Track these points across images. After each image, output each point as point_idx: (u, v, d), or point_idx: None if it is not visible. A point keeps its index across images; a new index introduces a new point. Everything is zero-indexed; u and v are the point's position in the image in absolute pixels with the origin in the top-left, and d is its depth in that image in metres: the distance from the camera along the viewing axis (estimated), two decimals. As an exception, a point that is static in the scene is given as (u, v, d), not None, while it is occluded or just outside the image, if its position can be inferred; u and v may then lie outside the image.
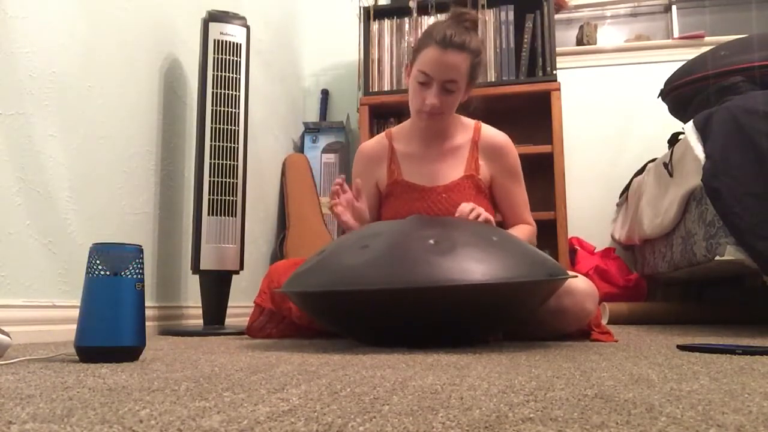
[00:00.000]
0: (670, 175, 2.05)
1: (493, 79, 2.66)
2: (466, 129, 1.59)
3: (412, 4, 2.77)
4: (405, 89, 2.72)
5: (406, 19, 2.79)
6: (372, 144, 1.66)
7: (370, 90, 2.76)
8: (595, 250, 2.81)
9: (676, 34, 3.11)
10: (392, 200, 1.59)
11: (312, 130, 3.05)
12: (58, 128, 1.47)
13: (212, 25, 1.87)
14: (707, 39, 2.92)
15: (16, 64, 1.35)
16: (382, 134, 1.67)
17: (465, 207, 1.34)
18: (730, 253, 1.62)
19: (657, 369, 0.81)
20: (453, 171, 1.53)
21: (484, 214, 1.32)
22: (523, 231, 1.55)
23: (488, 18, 2.73)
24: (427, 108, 1.45)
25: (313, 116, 3.18)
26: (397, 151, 1.60)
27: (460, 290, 1.04)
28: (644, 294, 2.65)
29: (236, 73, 1.89)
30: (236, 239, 1.87)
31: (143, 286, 0.95)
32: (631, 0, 3.22)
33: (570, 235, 2.67)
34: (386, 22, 2.81)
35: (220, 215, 1.84)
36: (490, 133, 1.59)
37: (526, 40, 2.68)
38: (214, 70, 1.86)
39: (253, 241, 2.50)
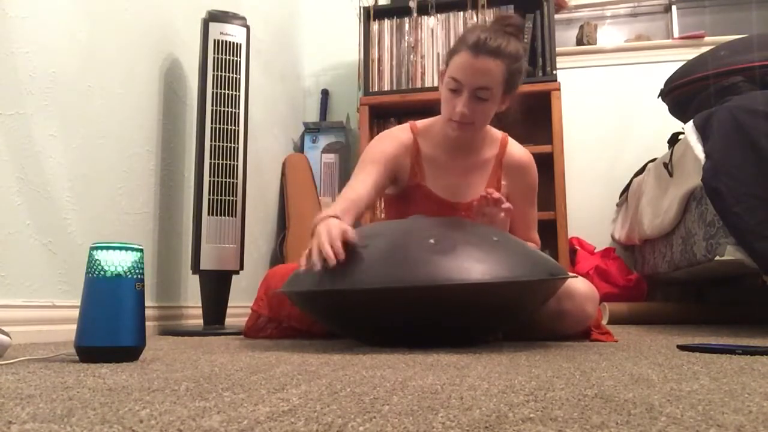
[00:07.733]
0: (670, 175, 2.05)
1: (493, 79, 2.66)
2: (494, 143, 1.52)
3: (412, 4, 2.77)
4: (405, 89, 2.76)
5: (406, 19, 2.79)
6: (398, 132, 1.52)
7: (370, 90, 2.75)
8: (595, 250, 2.81)
9: (676, 34, 3.11)
10: (410, 205, 1.50)
11: (312, 130, 3.05)
12: (58, 128, 1.47)
13: (212, 25, 1.87)
14: (707, 39, 2.92)
15: (16, 64, 1.35)
16: (406, 126, 1.54)
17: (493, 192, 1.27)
18: (730, 253, 1.62)
19: (657, 369, 0.81)
20: (476, 188, 1.47)
21: (505, 208, 1.28)
22: None
23: (488, 18, 2.72)
24: (456, 116, 1.35)
25: (313, 116, 3.18)
26: (422, 152, 1.50)
27: (460, 289, 1.05)
28: (644, 294, 2.65)
29: (236, 73, 1.89)
30: (236, 239, 1.87)
31: (143, 286, 0.95)
32: (631, 0, 3.22)
33: (570, 235, 2.67)
34: (386, 22, 2.81)
35: (220, 215, 1.84)
36: (516, 150, 1.53)
37: (526, 40, 2.68)
38: (214, 70, 1.86)
39: (253, 241, 2.50)
